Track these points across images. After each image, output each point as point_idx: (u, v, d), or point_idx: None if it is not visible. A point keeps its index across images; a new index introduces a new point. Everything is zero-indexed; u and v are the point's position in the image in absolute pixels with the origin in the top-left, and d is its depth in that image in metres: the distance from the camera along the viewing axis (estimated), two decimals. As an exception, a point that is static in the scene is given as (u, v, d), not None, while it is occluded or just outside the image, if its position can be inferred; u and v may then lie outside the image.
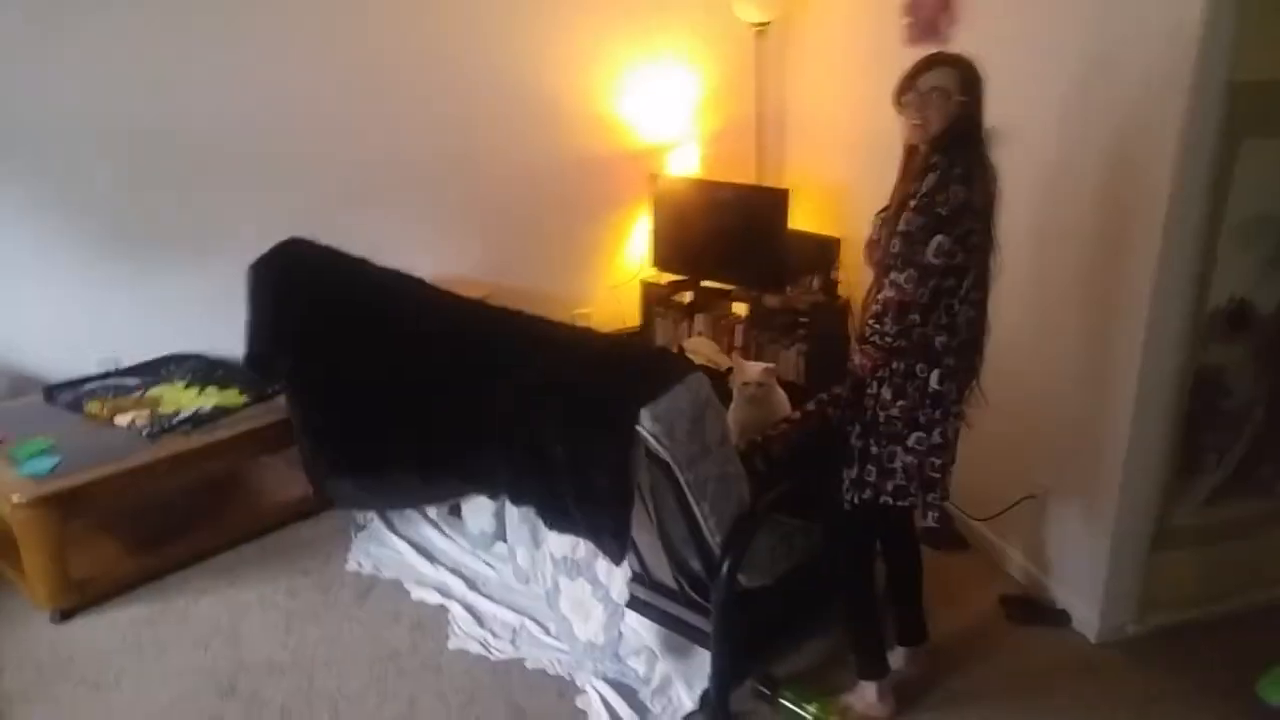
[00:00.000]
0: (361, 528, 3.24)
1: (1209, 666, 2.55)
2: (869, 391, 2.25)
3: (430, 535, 3.15)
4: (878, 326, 2.17)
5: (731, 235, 3.83)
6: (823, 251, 3.74)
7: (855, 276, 3.74)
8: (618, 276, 4.35)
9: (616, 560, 2.20)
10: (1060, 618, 2.76)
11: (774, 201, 3.64)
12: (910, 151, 2.22)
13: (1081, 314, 2.59)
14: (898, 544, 2.49)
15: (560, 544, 2.47)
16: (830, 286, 3.73)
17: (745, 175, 4.13)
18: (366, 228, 3.19)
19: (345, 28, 3.50)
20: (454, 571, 2.98)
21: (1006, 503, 2.91)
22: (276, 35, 3.40)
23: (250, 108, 3.40)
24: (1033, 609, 2.81)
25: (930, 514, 2.32)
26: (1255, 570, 2.75)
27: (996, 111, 2.17)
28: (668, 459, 2.09)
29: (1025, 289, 2.64)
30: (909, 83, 2.15)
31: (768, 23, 3.86)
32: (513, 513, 2.67)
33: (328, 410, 2.87)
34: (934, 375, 2.17)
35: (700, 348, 3.72)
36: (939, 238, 2.05)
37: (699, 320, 4.05)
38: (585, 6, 3.87)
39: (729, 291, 4.01)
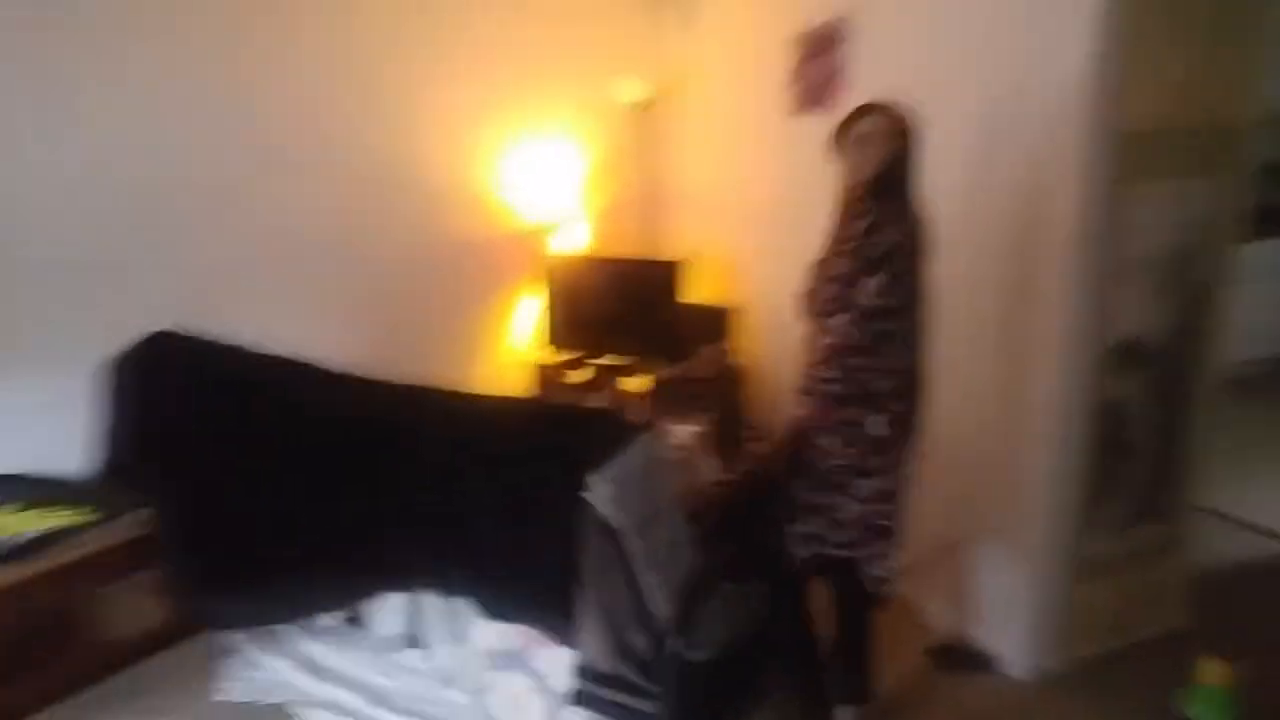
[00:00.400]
0: (230, 652, 2.87)
1: (1132, 693, 2.59)
2: (813, 443, 2.22)
3: (316, 650, 2.81)
4: (821, 375, 2.16)
5: (627, 310, 3.82)
6: (716, 321, 3.76)
7: (749, 344, 3.78)
8: (507, 358, 4.23)
9: (569, 643, 2.04)
10: (987, 662, 2.76)
11: (666, 274, 3.66)
12: (842, 196, 2.26)
13: (995, 358, 2.67)
14: (846, 598, 2.44)
15: (491, 636, 2.28)
16: (726, 355, 3.74)
17: (636, 250, 4.14)
18: (236, 315, 2.92)
19: (212, 100, 3.31)
20: (351, 687, 2.67)
21: (922, 552, 2.92)
22: (129, 105, 3.15)
23: (91, 185, 3.10)
24: (960, 656, 2.80)
25: (881, 565, 2.29)
26: (1160, 595, 2.85)
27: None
28: (618, 527, 1.98)
29: (938, 335, 2.71)
30: (845, 129, 2.21)
31: (649, 100, 3.94)
32: (430, 609, 2.46)
33: (205, 519, 2.60)
34: (878, 421, 2.16)
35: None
36: (876, 279, 2.07)
37: (598, 399, 3.96)
38: (467, 86, 3.84)
39: (627, 367, 3.96)
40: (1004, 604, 2.72)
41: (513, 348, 4.24)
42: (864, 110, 2.21)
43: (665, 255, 4.12)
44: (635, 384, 4.00)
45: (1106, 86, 2.29)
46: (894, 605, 3.01)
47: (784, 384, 3.65)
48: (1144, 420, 2.62)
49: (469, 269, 4.05)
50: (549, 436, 2.16)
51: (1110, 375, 2.51)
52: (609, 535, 2.00)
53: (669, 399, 3.75)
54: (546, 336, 4.11)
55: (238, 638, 2.80)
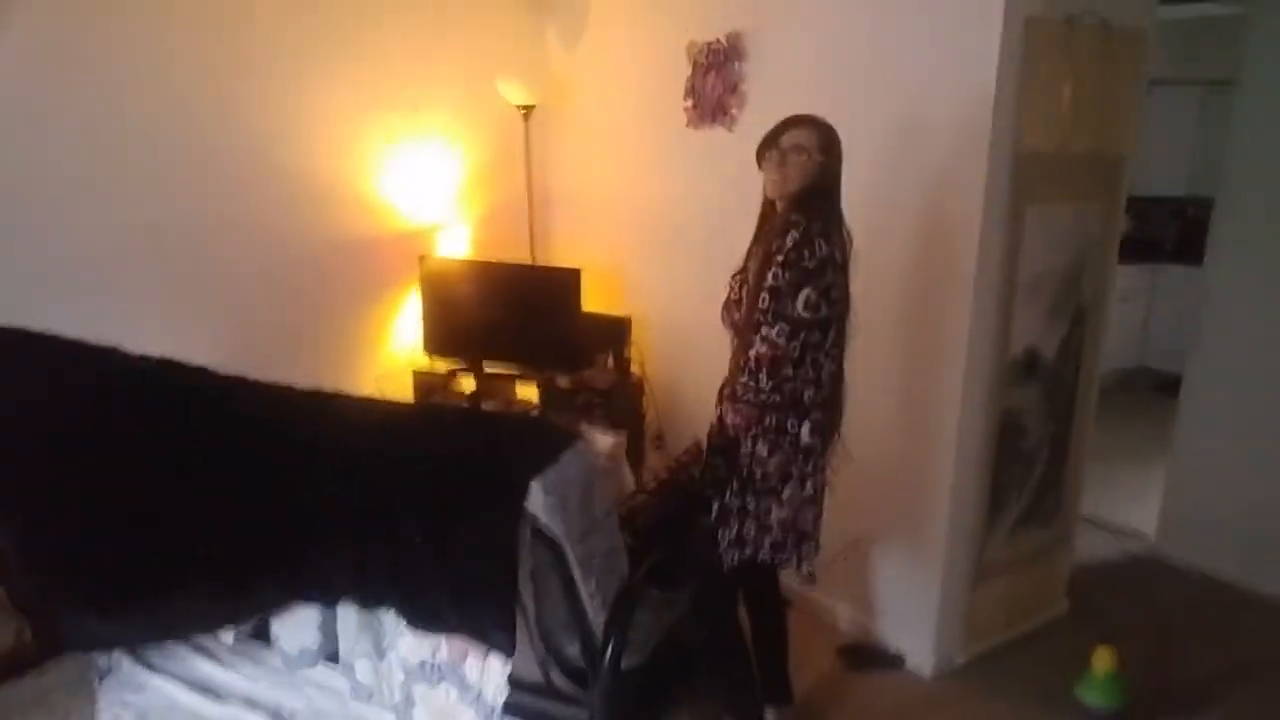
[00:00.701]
0: (107, 673, 2.57)
1: (1028, 681, 2.76)
2: (743, 450, 2.24)
3: (212, 669, 2.57)
4: (751, 383, 2.18)
5: (517, 317, 3.72)
6: (613, 331, 3.73)
7: (646, 354, 3.77)
8: (385, 366, 4.03)
9: (509, 652, 1.94)
10: (895, 660, 2.85)
11: (565, 282, 3.59)
12: (767, 209, 2.29)
13: (902, 368, 2.78)
14: (767, 602, 2.46)
15: (417, 648, 2.13)
16: (624, 364, 3.72)
17: (518, 256, 4.05)
18: (79, 318, 2.41)
19: (74, 89, 3.00)
20: (253, 706, 2.45)
21: (829, 554, 2.99)
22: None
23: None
24: (869, 655, 2.89)
25: (805, 566, 2.32)
26: (1045, 590, 3.04)
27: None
28: (557, 535, 1.90)
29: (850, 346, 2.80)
30: (771, 140, 2.23)
31: (533, 106, 3.88)
32: (348, 621, 2.28)
33: (69, 533, 2.32)
34: (804, 428, 2.21)
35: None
36: (806, 290, 2.11)
37: (487, 408, 3.84)
38: (347, 83, 3.65)
39: (514, 376, 3.86)
40: (911, 603, 2.82)
41: (393, 354, 4.04)
42: (791, 122, 2.25)
43: (549, 263, 4.06)
44: (526, 393, 3.92)
45: (1007, 109, 2.43)
46: (804, 607, 3.10)
47: (683, 394, 3.69)
48: (1038, 429, 2.80)
49: (347, 271, 3.83)
50: (480, 442, 2.06)
51: (1010, 386, 2.66)
52: (547, 544, 1.92)
53: (563, 408, 3.69)
54: (423, 344, 3.95)
55: (115, 658, 2.51)
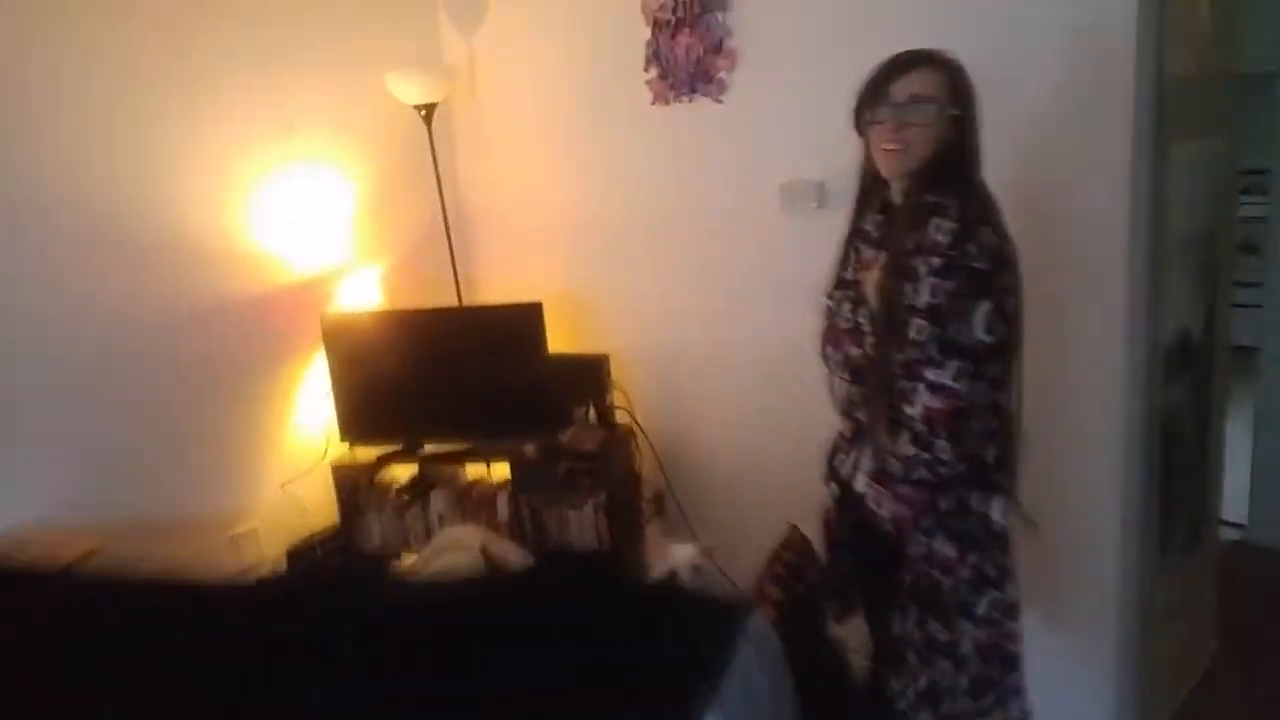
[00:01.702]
0: None
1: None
2: (915, 549, 1.51)
3: None
4: (923, 453, 1.44)
5: (462, 377, 2.88)
6: (589, 375, 2.92)
7: (633, 398, 2.99)
8: (292, 468, 3.08)
9: None
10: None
11: (524, 322, 2.76)
12: (871, 191, 1.60)
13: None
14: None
15: None
16: (608, 416, 2.92)
17: (442, 299, 3.19)
18: None
19: None
20: None
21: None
22: None
23: None
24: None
25: (1016, 707, 1.61)
26: (1200, 629, 2.45)
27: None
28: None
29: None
30: (875, 92, 1.51)
31: (434, 104, 3.03)
32: None
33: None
34: (995, 506, 1.51)
35: (471, 541, 2.64)
36: (984, 304, 1.41)
37: (437, 500, 2.96)
38: (202, 116, 2.71)
39: (464, 453, 3.00)
40: (1075, 697, 2.14)
41: (300, 447, 3.09)
42: (901, 63, 1.54)
43: (496, 299, 3.21)
44: (479, 473, 3.07)
45: (1150, 18, 1.80)
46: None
47: (689, 440, 2.93)
48: (1192, 434, 2.19)
49: (225, 346, 2.86)
50: (592, 650, 1.24)
51: (1168, 381, 2.04)
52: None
53: (540, 485, 2.87)
54: (339, 429, 3.03)
55: None
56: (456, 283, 3.20)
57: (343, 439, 3.02)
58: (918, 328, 1.45)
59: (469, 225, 3.32)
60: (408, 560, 3.00)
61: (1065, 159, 1.93)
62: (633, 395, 2.97)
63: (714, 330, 2.77)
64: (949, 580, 1.51)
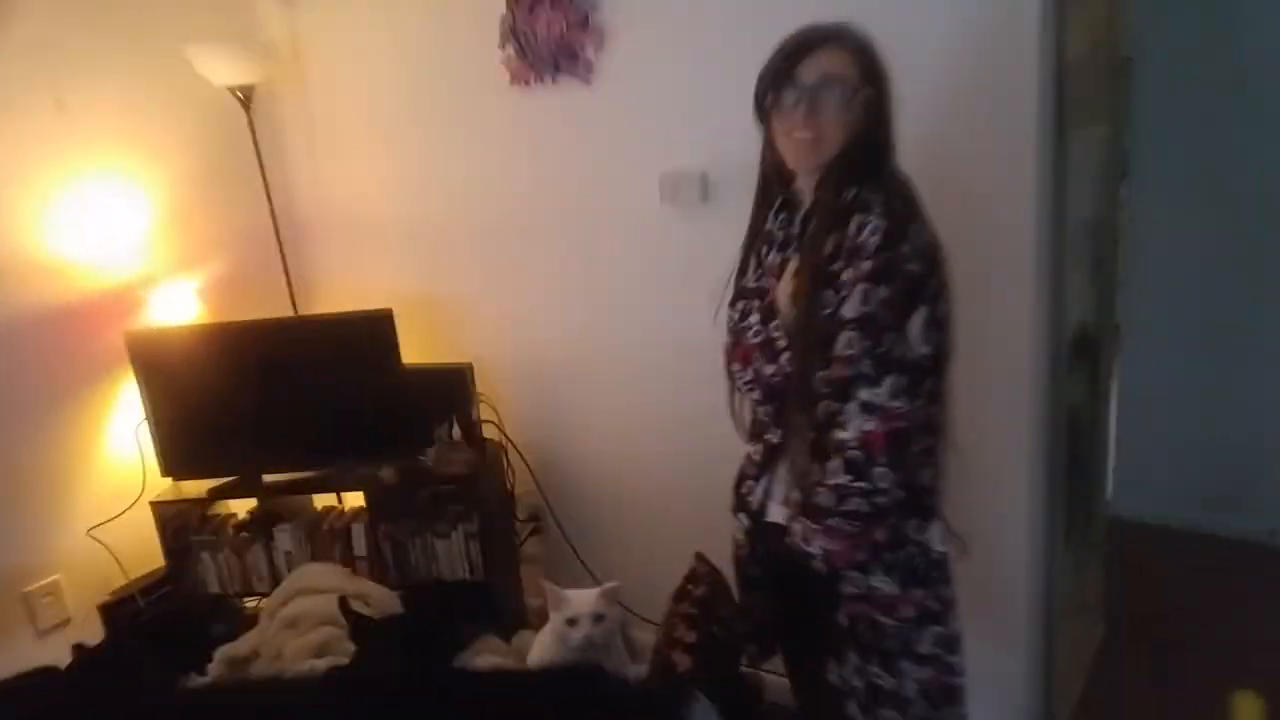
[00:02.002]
0: None
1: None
2: (849, 588, 1.36)
3: None
4: (856, 482, 1.29)
5: (303, 398, 2.54)
6: (449, 387, 2.63)
7: (501, 410, 2.72)
8: (103, 509, 2.64)
9: None
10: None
11: (372, 332, 2.45)
12: (776, 185, 1.43)
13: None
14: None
15: None
16: (474, 432, 2.64)
17: (275, 308, 2.82)
18: None
19: None
20: None
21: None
22: None
23: None
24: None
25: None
26: (1089, 612, 2.45)
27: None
28: None
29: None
30: (779, 74, 1.34)
31: (252, 86, 2.65)
32: None
33: None
34: (933, 532, 1.38)
35: (325, 582, 2.32)
36: (922, 311, 1.27)
37: (284, 536, 2.61)
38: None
39: (311, 482, 2.65)
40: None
41: (111, 485, 2.66)
42: (807, 40, 1.37)
43: (337, 308, 2.85)
44: (340, 502, 2.73)
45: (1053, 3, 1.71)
46: None
47: (563, 453, 2.69)
48: (1088, 428, 2.15)
49: (8, 370, 2.44)
50: None
51: (1071, 375, 1.98)
52: None
53: (401, 514, 2.57)
54: (160, 463, 2.62)
55: None
56: (291, 291, 2.83)
57: (164, 474, 2.61)
58: (847, 341, 1.28)
59: (304, 226, 2.94)
60: (254, 604, 2.65)
61: (966, 147, 1.82)
62: (501, 407, 2.71)
63: (590, 335, 2.54)
64: (890, 620, 1.36)
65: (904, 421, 1.27)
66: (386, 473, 2.56)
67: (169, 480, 2.63)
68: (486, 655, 2.01)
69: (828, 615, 1.39)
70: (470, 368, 2.63)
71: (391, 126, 2.74)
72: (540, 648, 1.59)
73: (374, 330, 2.44)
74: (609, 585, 1.52)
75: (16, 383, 2.43)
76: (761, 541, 1.54)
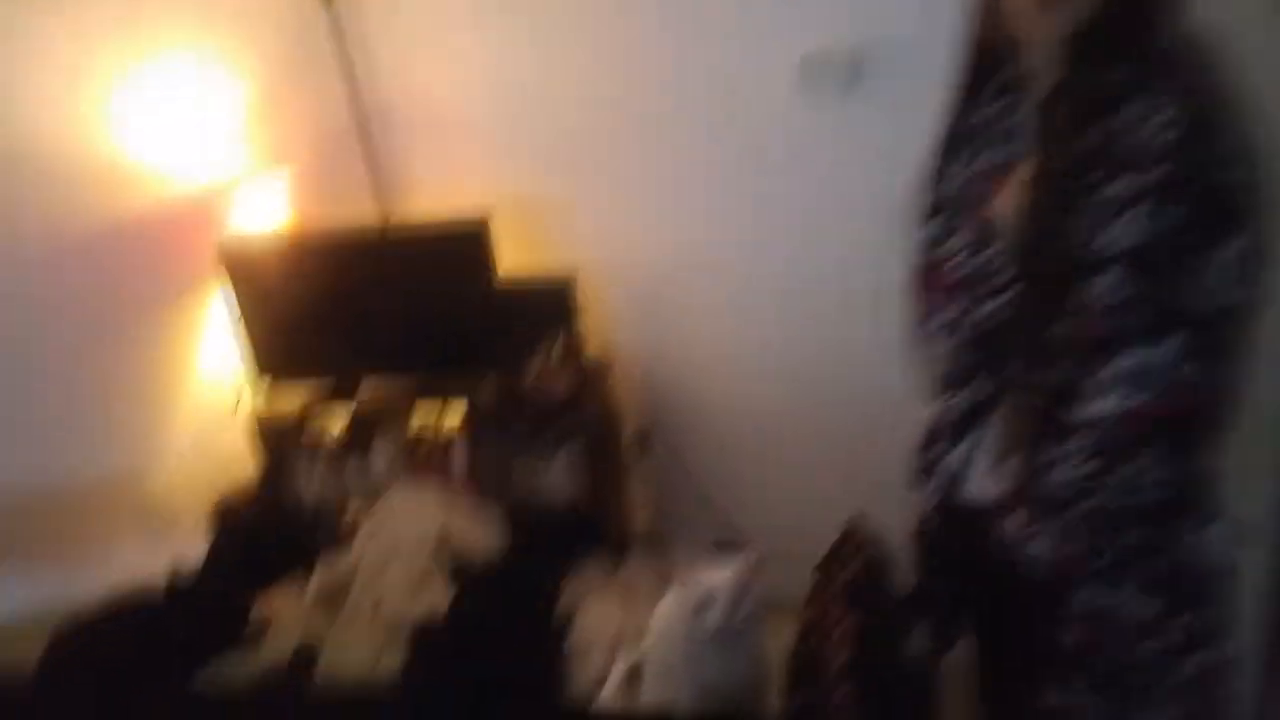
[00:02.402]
0: None
1: None
2: (1081, 600, 1.09)
3: None
4: (1110, 475, 1.00)
5: (396, 308, 2.39)
6: (553, 301, 2.42)
7: (612, 321, 2.51)
8: (202, 417, 2.59)
9: None
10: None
11: (467, 242, 2.25)
12: (993, 63, 1.10)
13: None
14: None
15: None
16: (577, 348, 2.43)
17: (361, 208, 2.62)
18: None
19: None
20: None
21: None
22: None
23: None
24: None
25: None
26: None
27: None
28: None
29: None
30: None
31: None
32: None
33: None
34: (1211, 535, 1.08)
35: (421, 507, 2.19)
36: (1236, 241, 0.94)
37: (380, 451, 2.49)
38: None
39: (407, 395, 2.51)
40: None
41: (207, 398, 2.59)
42: None
43: (426, 210, 2.64)
44: (438, 418, 2.59)
45: None
46: None
47: (676, 372, 2.47)
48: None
49: (101, 281, 2.35)
50: None
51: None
52: None
53: (501, 434, 2.41)
54: (253, 367, 2.52)
55: None
56: (377, 192, 2.63)
57: (260, 377, 2.52)
58: (1111, 283, 0.96)
59: (393, 122, 2.70)
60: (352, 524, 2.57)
61: None
62: (607, 322, 2.49)
63: (713, 245, 2.28)
64: (1144, 646, 1.08)
65: (1191, 397, 0.97)
66: (485, 390, 2.39)
67: (264, 390, 2.53)
68: (593, 607, 1.85)
69: (1048, 632, 1.12)
70: (574, 278, 2.40)
71: (491, 9, 2.45)
72: (664, 636, 1.36)
73: (469, 244, 2.24)
74: (749, 558, 1.28)
75: (109, 293, 2.35)
76: (954, 523, 1.26)
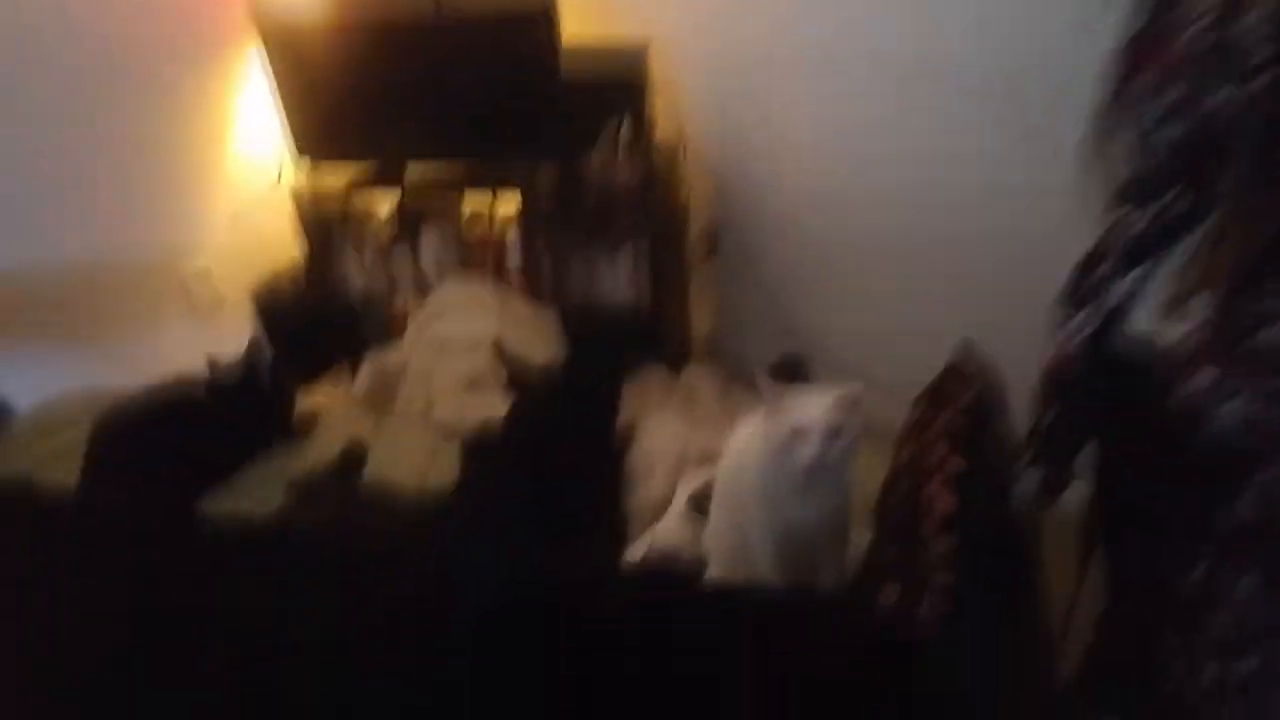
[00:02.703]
0: None
1: None
2: (1259, 483, 0.91)
3: None
4: None
5: (448, 84, 2.14)
6: (621, 78, 2.14)
7: (683, 100, 2.24)
8: (242, 194, 2.43)
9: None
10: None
11: (529, 20, 1.97)
12: None
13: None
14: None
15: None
16: (647, 131, 2.18)
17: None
18: None
19: None
20: None
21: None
22: None
23: None
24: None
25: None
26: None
27: None
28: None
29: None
30: None
31: None
32: None
33: None
34: None
35: (475, 302, 2.05)
36: None
37: (430, 240, 2.32)
38: None
39: (459, 179, 2.31)
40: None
41: (243, 171, 2.42)
42: None
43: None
44: (491, 207, 2.39)
45: None
46: None
47: (758, 164, 2.22)
48: None
49: (123, 37, 2.12)
50: None
51: None
52: None
53: (560, 226, 2.21)
54: (291, 142, 2.33)
55: None
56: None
57: (300, 155, 2.32)
58: None
59: None
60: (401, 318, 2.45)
61: None
62: (681, 103, 2.22)
63: (807, 11, 1.97)
64: None
65: None
66: (544, 177, 2.18)
67: (305, 167, 2.34)
68: (656, 423, 1.72)
69: (1209, 503, 0.95)
70: (645, 52, 2.11)
71: None
72: (741, 468, 1.20)
73: (530, 24, 1.97)
74: (849, 389, 1.10)
75: (134, 56, 2.11)
76: (1111, 360, 1.06)
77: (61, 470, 1.60)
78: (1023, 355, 1.20)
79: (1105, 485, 1.13)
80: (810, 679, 0.93)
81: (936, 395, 1.26)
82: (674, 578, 1.10)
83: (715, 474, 1.37)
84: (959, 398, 1.21)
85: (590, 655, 0.96)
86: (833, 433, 1.08)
